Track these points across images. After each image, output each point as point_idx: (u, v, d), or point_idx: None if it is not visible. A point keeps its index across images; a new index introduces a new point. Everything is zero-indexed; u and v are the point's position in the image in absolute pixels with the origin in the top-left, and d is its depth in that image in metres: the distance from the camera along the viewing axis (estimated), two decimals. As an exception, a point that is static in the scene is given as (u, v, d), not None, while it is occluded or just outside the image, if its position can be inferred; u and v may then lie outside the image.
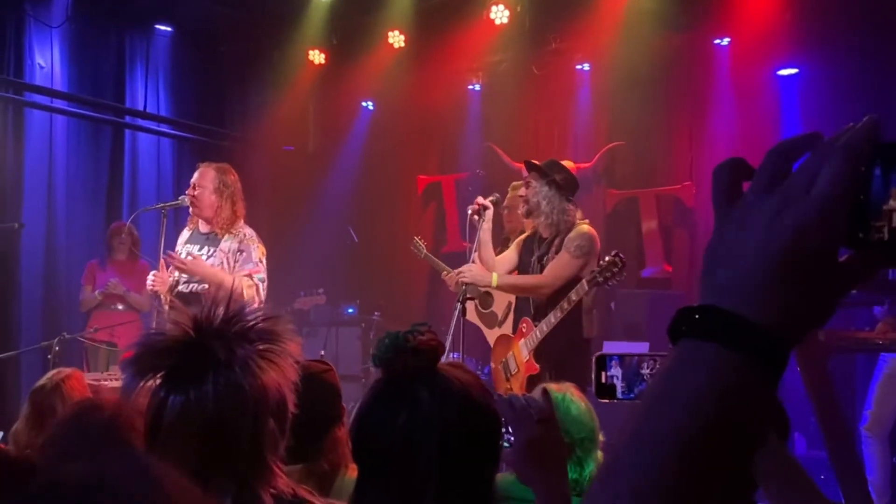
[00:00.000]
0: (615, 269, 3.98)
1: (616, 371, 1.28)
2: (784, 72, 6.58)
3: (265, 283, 4.59)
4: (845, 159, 0.60)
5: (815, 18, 6.30)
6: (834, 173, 0.60)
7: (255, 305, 4.37)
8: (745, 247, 0.62)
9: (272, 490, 1.46)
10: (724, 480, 0.61)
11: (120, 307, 6.42)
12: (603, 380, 1.28)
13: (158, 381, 1.47)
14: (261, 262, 4.62)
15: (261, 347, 1.47)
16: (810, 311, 0.62)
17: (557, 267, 4.22)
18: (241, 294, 4.36)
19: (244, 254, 4.58)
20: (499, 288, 4.32)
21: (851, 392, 5.56)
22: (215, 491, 1.40)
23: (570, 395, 2.35)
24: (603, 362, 1.27)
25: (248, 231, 4.68)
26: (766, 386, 0.61)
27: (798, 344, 0.62)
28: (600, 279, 4.00)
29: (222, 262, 4.59)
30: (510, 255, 4.61)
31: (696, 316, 0.63)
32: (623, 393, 1.27)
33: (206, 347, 1.43)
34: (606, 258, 4.03)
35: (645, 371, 1.27)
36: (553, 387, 2.07)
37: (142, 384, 1.46)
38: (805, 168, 0.62)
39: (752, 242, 0.62)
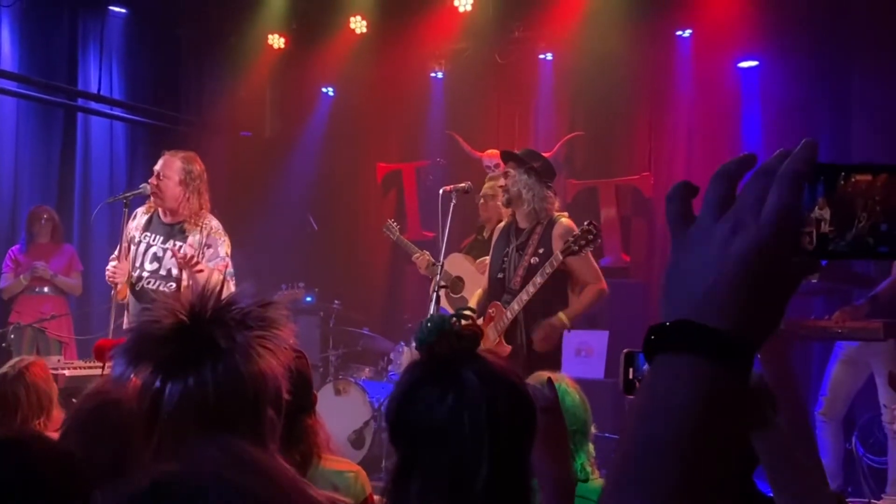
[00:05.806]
0: (590, 237, 4.01)
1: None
2: (745, 64, 6.65)
3: (234, 280, 4.49)
4: (791, 184, 0.67)
5: (775, 11, 6.38)
6: (782, 198, 0.67)
7: None
8: (705, 268, 0.68)
9: None
10: (724, 468, 0.67)
11: (46, 290, 6.32)
12: (630, 376, 1.30)
13: (150, 371, 1.42)
14: (228, 255, 4.53)
15: (257, 334, 1.43)
16: (770, 316, 0.70)
17: (590, 268, 4.26)
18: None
19: (211, 249, 4.47)
20: (574, 320, 4.31)
21: (808, 378, 5.68)
22: None
23: (564, 386, 2.34)
24: (632, 359, 1.30)
25: (215, 223, 4.56)
26: (738, 386, 0.68)
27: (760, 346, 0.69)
28: (575, 248, 4.02)
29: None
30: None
31: (670, 332, 0.68)
32: None
33: (205, 334, 1.38)
34: (579, 228, 4.07)
35: None
36: (549, 376, 2.06)
37: (134, 373, 1.41)
38: (749, 192, 0.69)
39: (711, 264, 0.68)
